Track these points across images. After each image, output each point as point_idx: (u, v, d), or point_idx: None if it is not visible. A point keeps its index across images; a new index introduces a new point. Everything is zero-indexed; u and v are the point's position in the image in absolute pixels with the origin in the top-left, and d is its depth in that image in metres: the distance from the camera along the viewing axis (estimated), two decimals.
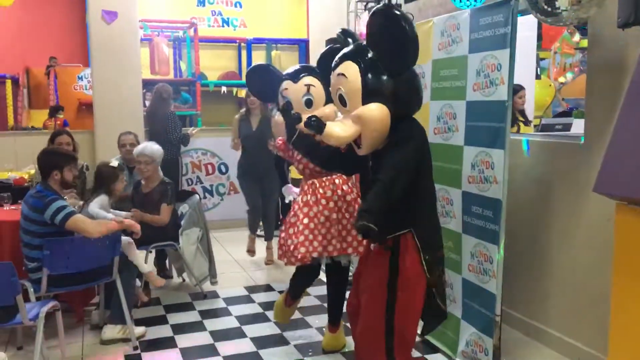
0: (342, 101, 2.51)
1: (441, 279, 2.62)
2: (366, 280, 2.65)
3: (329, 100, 3.10)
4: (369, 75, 2.42)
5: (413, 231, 2.49)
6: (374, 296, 2.56)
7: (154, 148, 4.42)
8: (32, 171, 4.99)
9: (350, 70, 2.45)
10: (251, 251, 5.50)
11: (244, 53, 9.32)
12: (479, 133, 3.15)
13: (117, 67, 6.16)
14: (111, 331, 3.70)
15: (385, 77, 2.42)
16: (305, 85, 3.17)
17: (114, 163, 4.15)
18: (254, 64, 3.70)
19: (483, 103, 3.11)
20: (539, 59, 7.71)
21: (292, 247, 3.22)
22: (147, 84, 6.95)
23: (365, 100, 2.42)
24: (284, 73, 3.33)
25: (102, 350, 3.60)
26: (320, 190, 3.26)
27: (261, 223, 5.66)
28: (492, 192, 3.05)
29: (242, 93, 7.79)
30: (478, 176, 3.15)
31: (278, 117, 3.33)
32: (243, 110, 5.50)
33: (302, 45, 8.99)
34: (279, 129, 3.34)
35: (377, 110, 2.40)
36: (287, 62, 8.46)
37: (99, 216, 3.80)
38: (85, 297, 4.01)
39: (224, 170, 6.81)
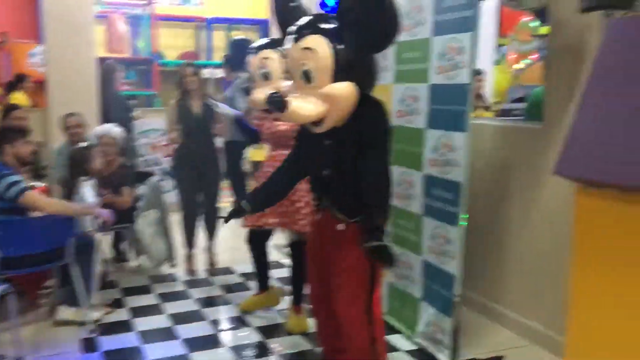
0: (308, 77, 2.32)
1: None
2: (341, 263, 2.52)
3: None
4: (339, 50, 2.29)
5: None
6: (355, 275, 2.47)
7: (118, 130, 4.35)
8: None
9: (320, 45, 2.28)
10: (192, 270, 4.65)
11: (203, 33, 9.15)
12: (442, 116, 3.16)
13: (70, 44, 5.94)
14: (66, 313, 3.61)
15: (358, 54, 2.31)
16: (263, 58, 3.25)
17: (83, 144, 4.01)
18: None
19: (446, 86, 3.12)
20: (497, 46, 7.82)
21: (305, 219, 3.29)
22: (102, 62, 6.74)
23: (335, 77, 2.29)
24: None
25: (57, 333, 3.51)
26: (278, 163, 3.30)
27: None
28: (453, 175, 3.08)
29: (204, 73, 7.64)
30: (439, 159, 3.17)
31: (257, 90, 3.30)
32: (178, 94, 4.54)
33: (263, 26, 8.87)
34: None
35: (347, 89, 2.30)
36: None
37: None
38: (38, 280, 3.89)
39: None
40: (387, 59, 3.58)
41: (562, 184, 3.15)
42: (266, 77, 3.26)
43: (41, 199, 3.37)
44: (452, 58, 3.07)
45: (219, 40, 9.63)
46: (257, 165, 5.18)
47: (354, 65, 2.32)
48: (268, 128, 3.47)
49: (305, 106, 2.32)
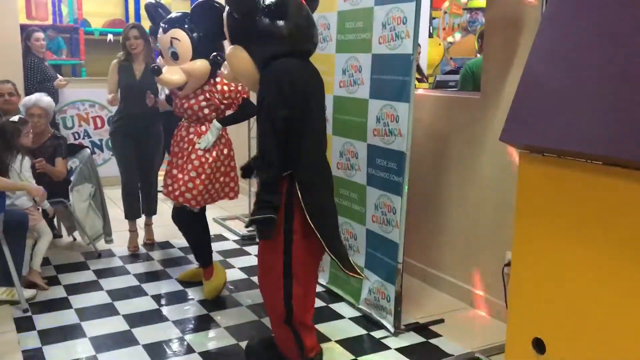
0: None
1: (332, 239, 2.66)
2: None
3: (199, 54, 3.37)
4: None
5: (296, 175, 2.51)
6: (268, 243, 2.58)
7: (48, 100, 4.13)
8: None
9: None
10: (134, 247, 4.45)
11: (131, 2, 8.79)
12: (384, 86, 3.18)
13: None
14: None
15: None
16: (172, 38, 3.37)
17: (14, 118, 3.76)
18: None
19: (388, 56, 3.14)
20: (431, 18, 7.94)
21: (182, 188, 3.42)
22: (23, 30, 6.35)
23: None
24: (165, 19, 3.51)
25: None
26: (180, 133, 3.58)
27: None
28: (396, 145, 3.12)
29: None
30: (383, 129, 3.20)
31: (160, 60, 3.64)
32: (121, 54, 4.35)
33: None
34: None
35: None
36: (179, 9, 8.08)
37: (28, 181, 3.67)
38: None
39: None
40: (329, 29, 3.56)
41: (499, 152, 3.27)
42: (174, 56, 3.40)
43: None
44: (394, 28, 3.09)
45: None
46: None
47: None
48: (179, 105, 3.55)
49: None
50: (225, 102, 3.47)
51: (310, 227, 2.52)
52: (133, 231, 4.49)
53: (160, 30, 3.46)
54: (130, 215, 4.47)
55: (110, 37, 8.35)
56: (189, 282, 3.82)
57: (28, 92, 4.94)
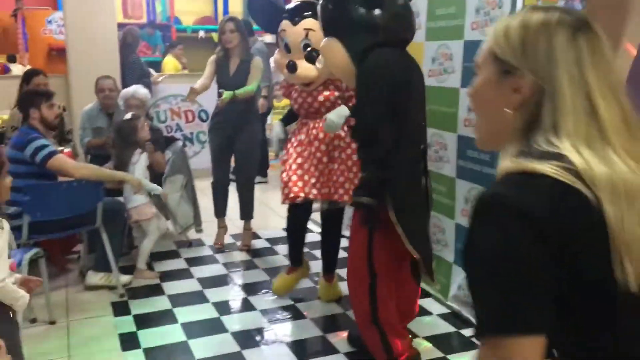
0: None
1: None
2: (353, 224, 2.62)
3: None
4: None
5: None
6: (357, 237, 2.53)
7: (144, 91, 4.31)
8: (5, 116, 4.77)
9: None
10: (219, 244, 4.35)
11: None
12: None
13: (90, 9, 5.84)
14: (94, 277, 3.61)
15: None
16: (305, 29, 3.10)
17: (128, 116, 3.95)
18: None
19: (483, 43, 2.99)
20: (523, 5, 7.59)
21: (284, 186, 3.17)
22: (120, 28, 6.65)
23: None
24: (286, 8, 3.26)
25: (87, 297, 3.51)
26: (314, 132, 3.18)
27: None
28: None
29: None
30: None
31: (277, 56, 3.35)
32: (219, 50, 4.23)
33: None
34: (280, 70, 3.33)
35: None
36: None
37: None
38: (66, 245, 3.90)
39: (204, 117, 6.58)
40: (418, 17, 3.45)
41: None
42: (307, 47, 3.12)
43: (68, 163, 3.35)
44: (489, 13, 2.95)
45: (236, 5, 9.48)
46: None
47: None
48: (301, 101, 3.27)
49: None
50: (350, 93, 3.16)
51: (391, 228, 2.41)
52: (221, 227, 4.44)
53: (287, 22, 3.18)
54: (217, 212, 4.41)
55: (201, 33, 8.61)
56: (274, 273, 3.81)
57: (126, 87, 5.14)
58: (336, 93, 3.17)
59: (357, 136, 2.46)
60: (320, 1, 2.50)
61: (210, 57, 4.28)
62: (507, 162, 0.93)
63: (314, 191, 3.12)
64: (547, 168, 0.87)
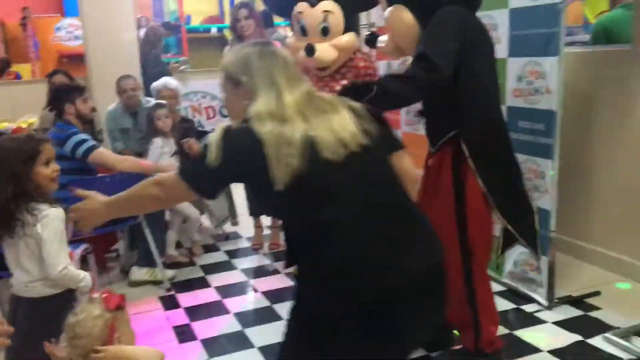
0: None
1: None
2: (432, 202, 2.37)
3: (348, 27, 3.01)
4: None
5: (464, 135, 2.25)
6: (443, 213, 2.30)
7: (175, 82, 4.25)
8: (33, 119, 4.71)
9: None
10: (257, 244, 4.13)
11: None
12: (527, 42, 2.96)
13: (108, 10, 5.77)
14: (138, 273, 3.55)
15: None
16: (324, 11, 2.99)
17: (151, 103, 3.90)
18: None
19: (531, 9, 2.92)
20: None
21: None
22: None
23: None
24: None
25: (134, 293, 3.44)
26: None
27: None
28: (544, 104, 2.89)
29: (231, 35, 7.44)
30: (526, 88, 2.98)
31: (291, 40, 3.21)
32: (233, 39, 4.16)
33: None
34: (295, 54, 3.12)
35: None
36: None
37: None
38: (107, 243, 3.83)
39: (225, 113, 6.51)
40: None
41: None
42: (326, 32, 3.00)
43: (110, 156, 3.29)
44: None
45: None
46: None
47: None
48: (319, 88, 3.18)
49: None
50: (366, 79, 3.12)
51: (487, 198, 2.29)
52: (257, 227, 4.21)
53: (304, 4, 3.04)
54: (251, 212, 4.14)
55: (214, 31, 8.55)
56: None
57: (148, 84, 5.06)
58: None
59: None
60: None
61: (225, 49, 4.16)
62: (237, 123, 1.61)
63: None
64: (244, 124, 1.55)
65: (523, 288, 3.14)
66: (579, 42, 4.83)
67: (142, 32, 6.17)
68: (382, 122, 1.67)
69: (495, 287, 3.25)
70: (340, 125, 1.53)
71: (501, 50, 3.11)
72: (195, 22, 9.27)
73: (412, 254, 1.49)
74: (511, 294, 3.17)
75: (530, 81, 2.95)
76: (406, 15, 2.32)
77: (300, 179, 1.45)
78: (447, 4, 2.23)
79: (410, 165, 1.74)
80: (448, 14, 2.21)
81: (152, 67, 5.78)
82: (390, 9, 2.39)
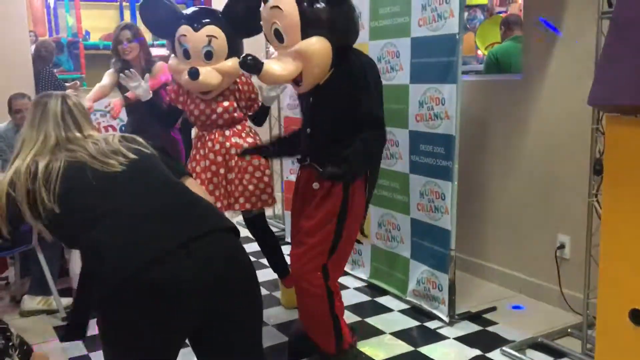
0: (279, 36, 2.41)
1: None
2: (308, 222, 2.56)
3: (231, 52, 3.02)
4: (306, 5, 2.34)
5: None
6: (322, 225, 2.50)
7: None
8: None
9: (286, 2, 2.35)
10: None
11: (127, 13, 8.72)
12: (427, 69, 3.11)
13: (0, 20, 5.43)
14: (31, 302, 3.32)
15: (323, 6, 2.36)
16: (207, 36, 2.99)
17: None
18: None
19: (430, 38, 3.07)
20: None
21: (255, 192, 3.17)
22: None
23: (304, 34, 2.35)
24: (183, 14, 3.09)
25: (25, 324, 3.21)
26: (209, 144, 3.12)
27: None
28: (443, 128, 3.04)
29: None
30: (427, 113, 3.12)
31: (174, 62, 3.12)
32: (115, 61, 3.99)
33: (190, 3, 8.52)
34: (176, 76, 3.14)
35: (318, 44, 2.35)
36: None
37: None
38: None
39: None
40: (360, 18, 3.48)
41: (544, 133, 3.22)
42: (209, 56, 2.98)
43: None
44: (436, 9, 3.02)
45: None
46: None
47: (321, 18, 2.35)
48: (198, 112, 3.14)
49: (278, 65, 2.38)
50: (248, 102, 3.20)
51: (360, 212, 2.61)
52: None
53: (187, 27, 2.98)
54: None
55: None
56: None
57: None
58: (235, 104, 3.12)
59: (366, 120, 2.44)
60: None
61: (108, 70, 4.08)
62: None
63: (217, 204, 3.06)
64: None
65: (426, 305, 3.25)
66: (473, 71, 5.14)
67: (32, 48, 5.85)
68: (166, 153, 1.91)
69: (400, 305, 3.36)
70: (98, 149, 1.78)
71: (403, 76, 3.25)
72: (94, 38, 8.96)
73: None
74: (415, 311, 3.27)
75: (431, 106, 3.10)
76: (328, 48, 2.37)
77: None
78: (350, 49, 2.45)
79: (200, 190, 1.96)
80: (370, 64, 2.49)
81: (47, 85, 5.50)
82: (314, 38, 2.34)
